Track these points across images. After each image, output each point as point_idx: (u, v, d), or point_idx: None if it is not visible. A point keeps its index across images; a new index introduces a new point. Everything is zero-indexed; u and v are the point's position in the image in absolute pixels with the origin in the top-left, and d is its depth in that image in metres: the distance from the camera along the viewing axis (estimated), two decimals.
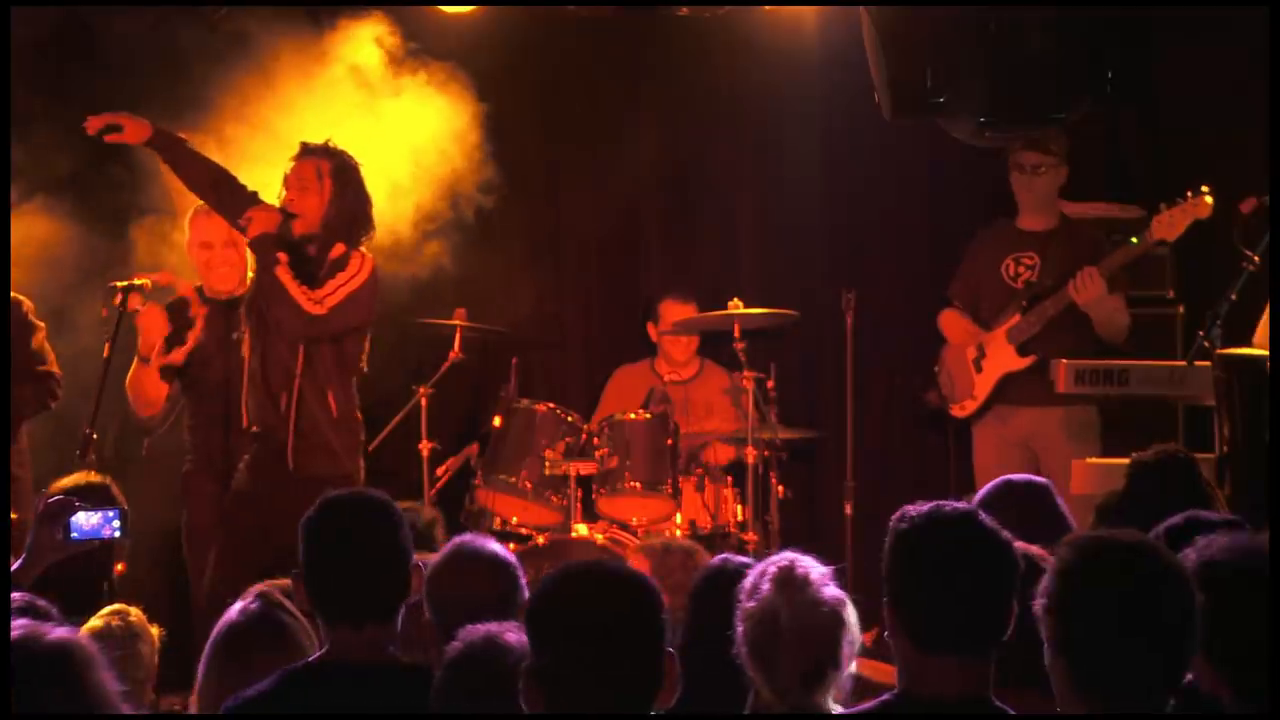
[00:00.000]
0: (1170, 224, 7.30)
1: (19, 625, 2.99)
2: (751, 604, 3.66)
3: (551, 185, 8.93)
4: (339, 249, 6.58)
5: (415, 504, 6.29)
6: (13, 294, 6.97)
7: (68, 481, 5.55)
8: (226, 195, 6.68)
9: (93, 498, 4.81)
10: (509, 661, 3.31)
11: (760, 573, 3.77)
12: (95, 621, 4.56)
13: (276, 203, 6.59)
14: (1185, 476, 5.12)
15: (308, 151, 6.60)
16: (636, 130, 8.76)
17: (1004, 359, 7.74)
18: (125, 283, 6.80)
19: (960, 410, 7.91)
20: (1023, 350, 7.68)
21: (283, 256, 6.49)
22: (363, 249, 6.64)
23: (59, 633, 2.98)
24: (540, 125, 8.79)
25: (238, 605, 4.02)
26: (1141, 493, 5.04)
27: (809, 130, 8.80)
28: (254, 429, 6.61)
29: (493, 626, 3.49)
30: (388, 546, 3.76)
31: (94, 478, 5.69)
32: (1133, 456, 5.28)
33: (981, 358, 7.82)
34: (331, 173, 6.56)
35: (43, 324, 7.04)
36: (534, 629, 3.05)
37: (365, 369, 6.70)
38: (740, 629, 3.67)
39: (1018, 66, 6.72)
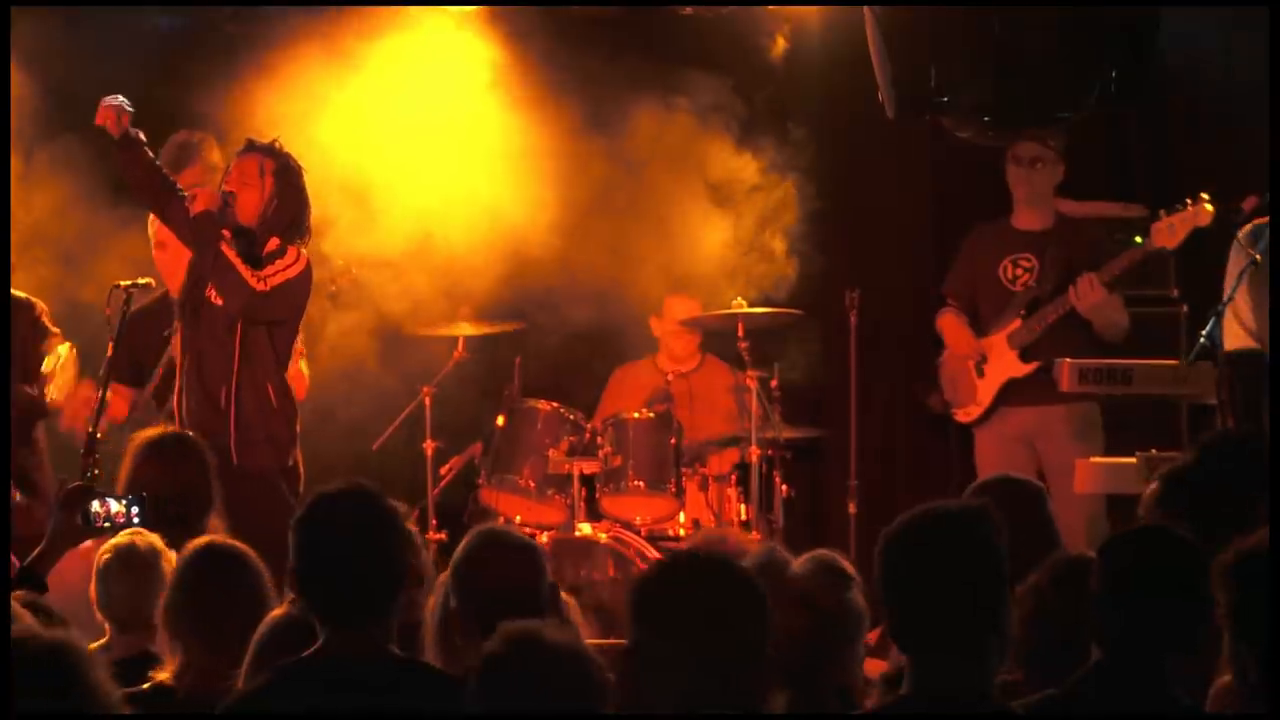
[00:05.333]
0: (1170, 232, 7.23)
1: (16, 627, 2.97)
2: None
3: (552, 184, 8.92)
4: (274, 242, 6.54)
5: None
6: (29, 297, 6.94)
7: (152, 432, 5.60)
8: (167, 201, 6.56)
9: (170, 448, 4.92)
10: (550, 660, 3.19)
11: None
12: (121, 538, 4.53)
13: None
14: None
15: (252, 148, 6.56)
16: (638, 128, 8.75)
17: (1006, 365, 7.67)
18: (129, 283, 6.79)
19: (965, 416, 7.85)
20: (1025, 356, 7.62)
21: (226, 233, 6.46)
22: (299, 247, 6.59)
23: (56, 632, 2.95)
24: (541, 123, 8.78)
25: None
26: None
27: (812, 130, 8.80)
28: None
29: (532, 623, 3.32)
30: (381, 541, 3.66)
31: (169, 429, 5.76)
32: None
33: (983, 363, 7.77)
34: (274, 171, 6.52)
35: (58, 330, 7.00)
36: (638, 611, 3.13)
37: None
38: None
39: (1021, 66, 6.72)
